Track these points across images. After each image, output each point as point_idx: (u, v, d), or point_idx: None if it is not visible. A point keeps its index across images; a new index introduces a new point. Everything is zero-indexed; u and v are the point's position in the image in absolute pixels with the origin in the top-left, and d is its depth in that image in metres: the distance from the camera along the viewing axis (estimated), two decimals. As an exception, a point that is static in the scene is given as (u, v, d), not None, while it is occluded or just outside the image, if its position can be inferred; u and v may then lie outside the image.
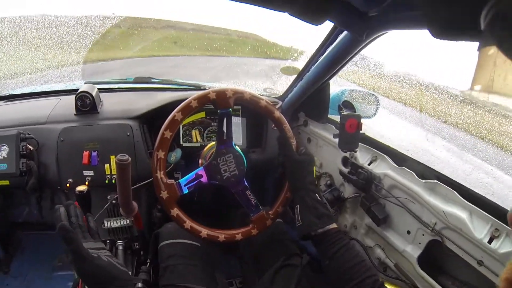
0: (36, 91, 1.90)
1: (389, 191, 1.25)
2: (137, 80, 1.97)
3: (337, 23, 1.13)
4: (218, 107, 1.09)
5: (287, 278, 1.16)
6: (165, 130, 1.04)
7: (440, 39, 0.73)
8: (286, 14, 0.89)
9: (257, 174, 1.20)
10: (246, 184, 1.15)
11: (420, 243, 1.15)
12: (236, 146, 1.16)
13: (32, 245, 2.09)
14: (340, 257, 0.94)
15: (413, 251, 1.16)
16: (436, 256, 1.12)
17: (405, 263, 1.19)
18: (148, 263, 1.39)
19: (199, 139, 1.64)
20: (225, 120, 1.12)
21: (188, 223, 1.07)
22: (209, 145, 1.27)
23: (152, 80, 1.97)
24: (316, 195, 1.04)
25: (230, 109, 1.11)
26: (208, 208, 1.54)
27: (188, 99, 1.06)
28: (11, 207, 2.02)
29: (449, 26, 0.70)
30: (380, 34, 1.10)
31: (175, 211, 1.05)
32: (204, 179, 1.10)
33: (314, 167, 1.16)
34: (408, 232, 1.19)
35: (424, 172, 1.18)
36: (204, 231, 1.08)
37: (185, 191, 1.06)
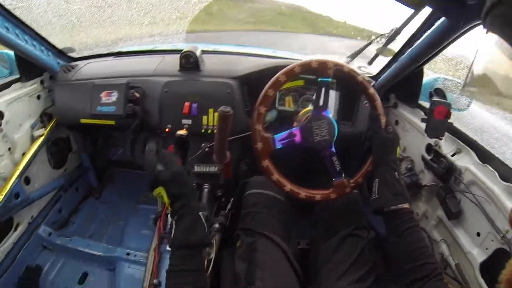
0: (142, 49, 2.15)
1: (467, 186, 1.20)
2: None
3: (435, 8, 1.08)
4: (319, 75, 1.18)
5: (351, 247, 1.22)
6: (269, 88, 1.16)
7: None
8: None
9: (344, 145, 1.24)
10: (334, 150, 1.23)
11: (487, 249, 1.10)
12: (330, 115, 1.23)
13: (122, 180, 2.44)
14: (408, 237, 0.98)
15: (478, 255, 1.12)
16: (500, 267, 1.07)
17: (467, 266, 1.16)
18: (228, 210, 1.51)
19: (292, 105, 1.71)
20: (323, 89, 1.19)
21: (275, 176, 1.18)
22: (305, 110, 1.34)
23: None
24: (396, 173, 1.09)
25: (330, 79, 1.18)
26: (295, 168, 1.60)
27: (292, 64, 1.16)
28: (109, 146, 2.35)
29: None
30: (476, 23, 1.03)
31: (266, 163, 1.17)
32: (297, 138, 1.19)
33: (398, 147, 1.17)
34: (478, 234, 1.14)
35: (508, 175, 1.09)
36: (288, 186, 1.19)
37: (278, 146, 1.17)
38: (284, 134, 1.18)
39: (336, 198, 1.23)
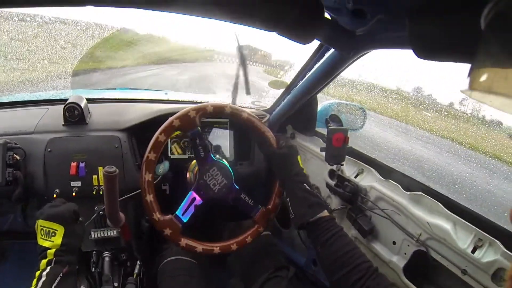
0: (23, 99, 1.86)
1: (375, 203, 1.28)
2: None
3: (324, 41, 1.16)
4: (186, 130, 1.15)
5: None
6: (160, 133, 1.09)
7: (424, 59, 0.77)
8: (274, 33, 0.91)
9: (246, 186, 1.23)
10: (238, 187, 1.19)
11: (405, 254, 1.18)
12: (217, 156, 1.21)
13: (17, 254, 2.03)
14: (332, 244, 0.95)
15: (399, 261, 1.19)
16: (421, 266, 1.15)
17: (391, 273, 1.22)
18: (136, 275, 1.38)
19: (179, 151, 1.64)
20: (197, 140, 1.16)
21: (183, 241, 1.12)
22: (192, 163, 1.31)
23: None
24: (305, 184, 1.06)
25: (199, 128, 1.15)
26: (202, 224, 1.52)
27: (187, 108, 1.12)
28: None
29: (433, 47, 0.74)
30: (365, 52, 1.15)
31: (184, 241, 1.13)
32: (197, 200, 1.14)
33: (299, 157, 1.15)
34: (394, 243, 1.22)
35: (410, 185, 1.22)
36: (200, 246, 1.13)
37: (185, 220, 1.12)
38: (185, 203, 1.15)
39: (263, 231, 1.21)
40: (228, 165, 1.19)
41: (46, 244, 0.85)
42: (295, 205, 1.05)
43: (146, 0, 0.74)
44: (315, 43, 1.31)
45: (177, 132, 1.43)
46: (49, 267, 0.82)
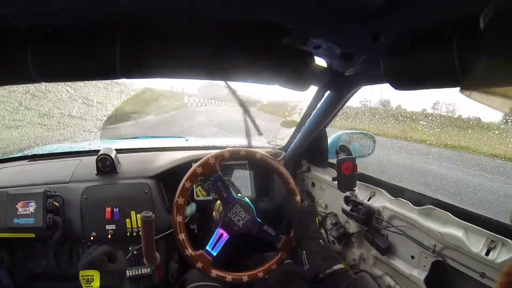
0: (57, 151, 2.05)
1: (389, 221, 1.35)
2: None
3: (319, 86, 1.34)
4: (208, 175, 1.29)
5: None
6: (186, 180, 1.24)
7: (400, 90, 0.91)
8: (276, 86, 1.06)
9: (267, 219, 1.33)
10: (260, 220, 1.29)
11: (424, 266, 1.21)
12: (239, 195, 1.33)
13: None
14: None
15: (419, 274, 1.22)
16: (441, 276, 1.17)
17: (414, 287, 1.24)
18: None
19: (204, 193, 1.76)
20: (219, 184, 1.30)
21: (214, 272, 1.23)
22: (217, 203, 1.43)
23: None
24: (320, 241, 1.16)
25: (219, 172, 1.30)
26: (231, 256, 1.61)
27: (207, 157, 1.28)
28: (30, 259, 2.01)
29: (404, 80, 0.88)
30: (356, 89, 1.31)
31: (214, 272, 1.23)
32: (225, 235, 1.26)
33: (317, 218, 1.29)
34: (412, 257, 1.26)
35: (419, 200, 1.28)
36: (229, 276, 1.23)
37: (214, 253, 1.23)
38: (213, 239, 1.26)
39: (287, 257, 1.32)
40: (249, 201, 1.31)
41: None
42: (310, 258, 1.14)
43: (170, 72, 0.92)
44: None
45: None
46: None
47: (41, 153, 2.03)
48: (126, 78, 0.87)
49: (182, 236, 1.21)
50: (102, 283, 0.88)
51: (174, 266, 1.63)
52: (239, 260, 1.52)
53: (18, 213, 1.46)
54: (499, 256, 0.96)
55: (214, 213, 1.43)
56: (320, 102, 1.50)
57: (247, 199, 1.33)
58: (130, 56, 0.82)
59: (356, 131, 1.71)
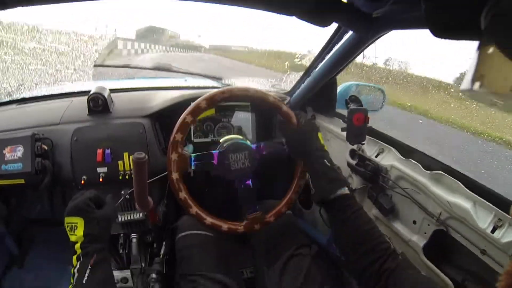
0: (47, 93, 1.95)
1: (395, 182, 1.29)
2: (157, 67, 2.00)
3: (343, 24, 1.17)
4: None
5: (297, 268, 1.20)
6: (187, 114, 1.10)
7: (441, 38, 0.76)
8: (294, 18, 0.93)
9: (266, 168, 1.25)
10: (250, 182, 1.19)
11: (425, 233, 1.19)
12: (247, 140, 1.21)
13: (46, 241, 2.13)
14: (350, 223, 0.93)
15: (418, 241, 1.21)
16: (441, 246, 1.16)
17: (411, 252, 1.24)
18: (161, 255, 1.45)
19: (201, 135, 1.68)
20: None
21: (194, 209, 1.12)
22: (226, 137, 1.27)
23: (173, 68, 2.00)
24: (325, 160, 1.03)
25: None
26: (217, 199, 1.58)
27: (214, 91, 1.12)
28: (24, 205, 2.05)
29: (448, 26, 0.73)
30: (383, 33, 1.14)
31: (183, 194, 1.10)
32: (215, 161, 1.14)
33: (319, 133, 1.13)
34: (414, 222, 1.23)
35: (430, 164, 1.21)
36: (209, 219, 1.13)
37: (193, 167, 1.11)
38: (201, 154, 1.13)
39: (244, 232, 1.20)
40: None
41: (72, 238, 0.86)
42: (315, 180, 1.04)
43: None
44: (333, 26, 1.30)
45: (204, 114, 1.46)
46: (78, 263, 0.83)
47: (30, 96, 1.93)
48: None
49: (176, 175, 1.10)
50: (86, 231, 0.84)
51: (162, 210, 1.59)
52: (228, 210, 1.49)
53: (5, 159, 1.40)
54: (504, 235, 0.93)
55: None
56: (338, 45, 1.33)
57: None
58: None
59: (367, 83, 1.57)
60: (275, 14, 0.94)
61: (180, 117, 1.10)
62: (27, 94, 1.93)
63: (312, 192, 1.05)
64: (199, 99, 1.11)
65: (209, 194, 1.52)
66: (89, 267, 0.79)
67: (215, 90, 1.13)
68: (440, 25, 0.75)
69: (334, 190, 0.97)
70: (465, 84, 0.47)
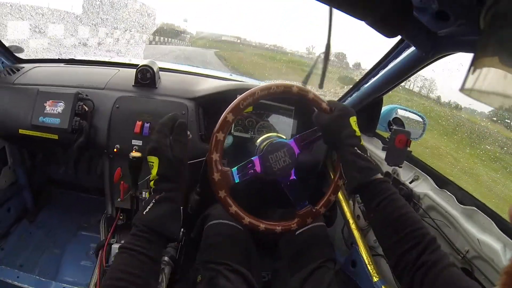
0: (96, 59, 2.03)
1: (426, 211, 1.26)
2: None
3: (407, 38, 1.15)
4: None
5: (320, 280, 1.18)
6: (228, 112, 1.07)
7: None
8: (363, 23, 0.93)
9: (302, 174, 1.23)
10: (296, 177, 1.17)
11: None
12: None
13: (62, 202, 2.18)
14: (384, 208, 0.88)
15: None
16: None
17: None
18: (180, 241, 1.45)
19: (242, 130, 1.68)
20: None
21: (233, 208, 1.09)
22: (264, 136, 1.29)
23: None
24: (355, 148, 0.98)
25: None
26: (255, 198, 1.53)
27: (254, 88, 1.10)
28: (50, 163, 2.11)
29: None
30: (446, 54, 1.13)
31: (223, 193, 1.07)
32: (257, 168, 1.11)
33: (351, 118, 1.05)
34: (440, 257, 1.18)
35: (464, 199, 1.17)
36: (247, 218, 1.10)
37: (237, 180, 1.08)
38: (244, 166, 1.11)
39: (297, 229, 1.17)
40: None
41: (151, 177, 0.89)
42: (347, 170, 1.01)
43: None
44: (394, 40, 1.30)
45: (247, 110, 1.47)
46: (149, 197, 0.86)
47: (80, 58, 2.01)
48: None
49: (223, 193, 1.07)
50: (159, 170, 0.86)
51: (195, 198, 1.55)
52: (263, 210, 1.47)
53: (45, 111, 1.43)
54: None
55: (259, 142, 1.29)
56: (395, 62, 1.33)
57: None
58: None
59: (411, 109, 1.53)
60: (346, 15, 0.93)
61: (222, 115, 1.08)
62: (77, 57, 2.02)
63: (345, 181, 1.05)
64: (240, 97, 1.09)
65: (249, 193, 1.47)
66: (153, 201, 0.82)
67: (256, 87, 1.11)
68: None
69: (366, 177, 0.94)
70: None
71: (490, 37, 0.46)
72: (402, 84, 1.47)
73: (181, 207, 0.89)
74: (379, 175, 0.94)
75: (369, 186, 0.93)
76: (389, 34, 0.97)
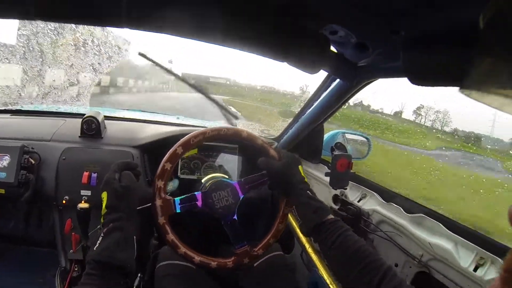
0: (43, 109, 1.98)
1: (377, 226, 1.31)
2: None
3: (330, 72, 1.28)
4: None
5: None
6: (166, 161, 1.09)
7: (417, 85, 0.87)
8: (285, 64, 1.00)
9: (248, 211, 1.23)
10: (236, 218, 1.17)
11: (407, 275, 1.18)
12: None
13: (15, 259, 2.01)
14: (340, 245, 0.91)
15: None
16: (423, 287, 1.14)
17: None
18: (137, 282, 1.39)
19: (188, 172, 1.69)
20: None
21: (182, 249, 1.08)
22: (208, 176, 1.31)
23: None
24: (308, 192, 1.04)
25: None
26: (204, 236, 1.54)
27: (188, 136, 1.12)
28: None
29: (424, 75, 0.84)
30: (368, 81, 1.25)
31: (162, 220, 1.06)
32: (199, 202, 1.12)
33: (300, 167, 1.12)
34: (396, 265, 1.23)
35: (412, 208, 1.25)
36: (197, 258, 1.09)
37: (178, 210, 1.08)
38: (185, 197, 1.11)
39: (233, 267, 1.15)
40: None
41: (102, 212, 0.87)
42: (301, 212, 1.04)
43: (176, 29, 0.86)
44: (322, 75, 1.41)
45: (192, 152, 1.47)
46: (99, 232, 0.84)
47: (26, 109, 1.96)
48: (130, 28, 0.79)
49: (162, 220, 1.06)
50: (107, 202, 0.86)
51: (153, 243, 1.53)
52: (212, 247, 1.42)
53: None
54: (487, 273, 0.94)
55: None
56: (325, 93, 1.43)
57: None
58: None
59: (354, 131, 1.66)
60: (267, 59, 1.01)
61: (160, 164, 1.10)
62: (23, 107, 1.97)
63: (300, 222, 1.06)
64: (175, 145, 1.12)
65: (197, 231, 1.48)
66: (102, 234, 0.80)
67: (191, 134, 1.13)
68: (417, 74, 0.86)
69: (318, 218, 0.98)
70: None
71: (490, 37, 0.45)
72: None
73: (134, 236, 0.88)
74: (331, 216, 0.99)
75: (325, 225, 0.96)
76: (311, 70, 1.05)
